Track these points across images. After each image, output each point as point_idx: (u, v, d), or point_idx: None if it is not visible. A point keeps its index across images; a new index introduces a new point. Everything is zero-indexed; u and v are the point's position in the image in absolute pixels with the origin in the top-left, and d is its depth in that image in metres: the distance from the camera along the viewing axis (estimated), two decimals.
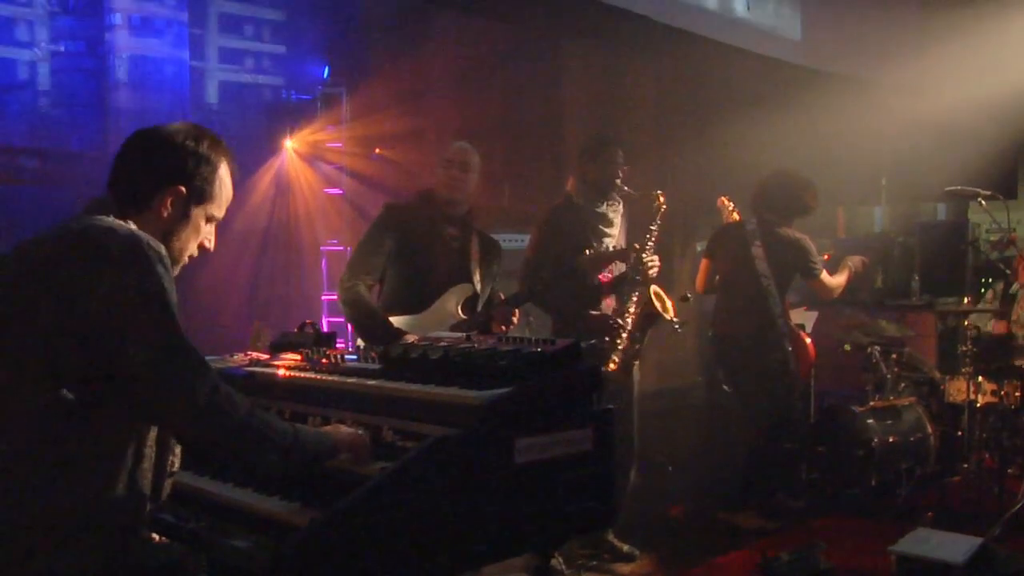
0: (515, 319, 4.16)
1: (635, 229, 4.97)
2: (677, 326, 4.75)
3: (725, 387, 6.02)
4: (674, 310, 4.75)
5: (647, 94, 7.96)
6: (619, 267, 4.87)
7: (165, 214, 2.21)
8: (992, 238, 7.72)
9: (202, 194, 2.25)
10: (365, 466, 2.27)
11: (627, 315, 4.69)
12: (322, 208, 7.12)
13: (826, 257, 6.16)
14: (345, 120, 7.04)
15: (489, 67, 7.26)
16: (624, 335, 4.65)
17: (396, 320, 3.99)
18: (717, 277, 5.77)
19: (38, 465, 1.99)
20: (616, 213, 4.95)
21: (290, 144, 6.92)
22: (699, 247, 8.47)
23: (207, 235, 2.33)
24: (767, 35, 7.65)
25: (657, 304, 4.67)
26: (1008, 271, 6.60)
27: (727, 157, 7.18)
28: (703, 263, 5.89)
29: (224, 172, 2.30)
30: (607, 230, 4.87)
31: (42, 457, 1.99)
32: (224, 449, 2.13)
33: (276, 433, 2.11)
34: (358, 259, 4.20)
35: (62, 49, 6.08)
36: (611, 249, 4.87)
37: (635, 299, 4.73)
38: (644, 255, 4.74)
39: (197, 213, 2.26)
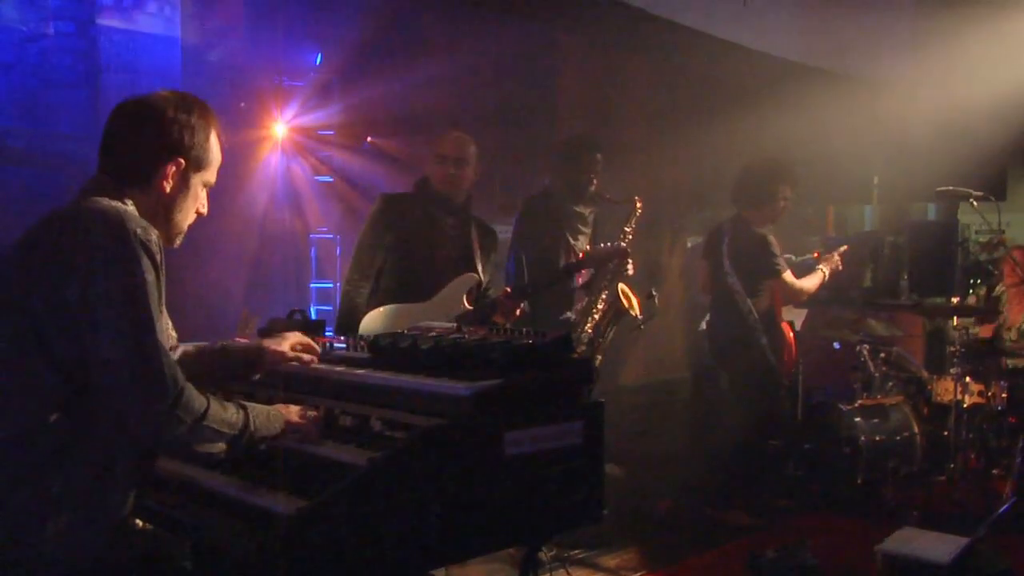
0: (519, 312, 4.18)
1: (612, 229, 5.01)
2: (640, 324, 4.78)
3: (720, 382, 6.01)
4: (639, 308, 4.77)
5: (641, 88, 7.93)
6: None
7: (168, 188, 2.22)
8: (981, 239, 7.74)
9: (200, 162, 2.27)
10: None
11: (595, 311, 4.72)
12: (312, 196, 7.09)
13: (815, 255, 6.14)
14: (336, 108, 6.99)
15: (484, 58, 7.22)
16: (589, 331, 4.67)
17: (401, 308, 3.99)
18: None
19: (34, 450, 1.99)
20: (592, 214, 5.12)
21: (281, 131, 6.88)
22: (689, 242, 8.46)
23: (202, 201, 2.34)
24: (762, 31, 7.63)
25: (624, 302, 4.70)
26: (996, 271, 6.62)
27: (719, 153, 7.16)
28: (701, 265, 5.91)
29: (214, 137, 2.30)
30: (583, 228, 4.98)
31: (38, 442, 1.99)
32: (172, 451, 2.21)
33: (227, 426, 2.11)
34: (361, 256, 4.22)
35: (51, 31, 6.01)
36: (588, 248, 4.97)
37: (603, 296, 4.76)
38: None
39: (196, 182, 2.28)
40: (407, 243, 4.18)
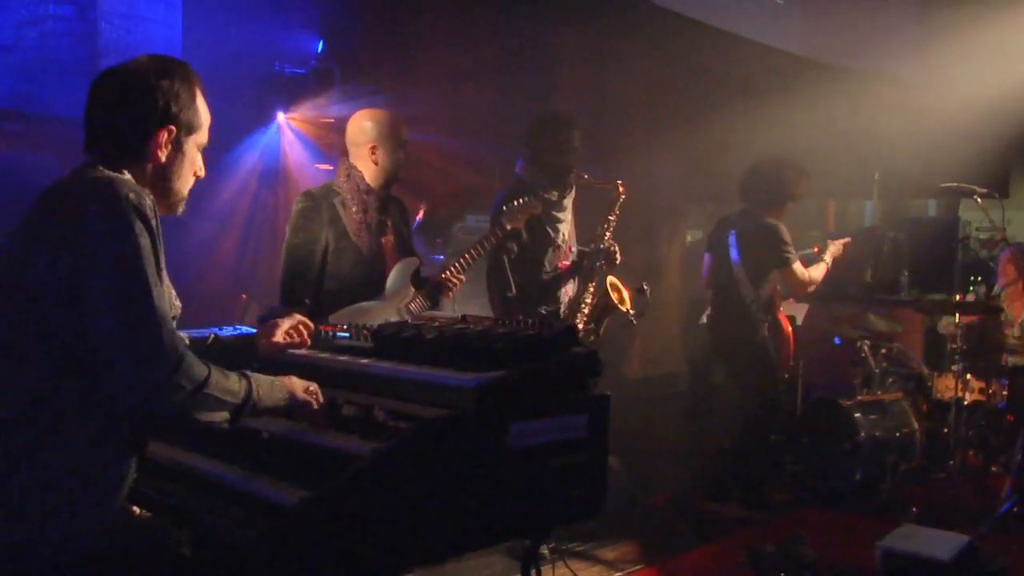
0: (461, 275, 4.03)
1: (595, 218, 4.88)
2: (632, 318, 4.71)
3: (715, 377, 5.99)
4: (631, 301, 4.70)
5: (640, 80, 7.89)
6: (571, 254, 4.84)
7: (163, 157, 2.20)
8: (982, 236, 7.74)
9: (191, 126, 2.24)
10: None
11: (584, 305, 4.66)
12: (312, 183, 7.04)
13: (815, 250, 6.13)
14: (337, 95, 6.95)
15: (484, 48, 7.19)
16: (580, 324, 4.60)
17: (357, 308, 3.73)
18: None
19: (30, 430, 1.97)
20: (568, 199, 4.83)
21: (281, 118, 6.84)
22: (688, 236, 8.45)
23: (198, 164, 2.31)
24: (764, 23, 7.60)
25: (613, 295, 4.63)
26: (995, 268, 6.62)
27: (720, 146, 7.13)
28: (705, 259, 5.88)
29: (200, 98, 2.27)
30: (559, 215, 4.76)
31: (34, 422, 1.98)
32: (174, 420, 2.14)
33: (230, 395, 2.09)
34: (297, 261, 3.79)
35: (51, 14, 5.97)
36: (564, 236, 4.79)
37: (592, 289, 4.68)
38: (602, 244, 4.73)
39: (190, 146, 2.25)
40: (347, 240, 3.83)
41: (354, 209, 3.87)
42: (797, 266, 5.42)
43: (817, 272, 5.51)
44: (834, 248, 5.64)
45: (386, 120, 3.97)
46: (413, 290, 3.92)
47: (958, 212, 8.53)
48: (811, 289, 5.57)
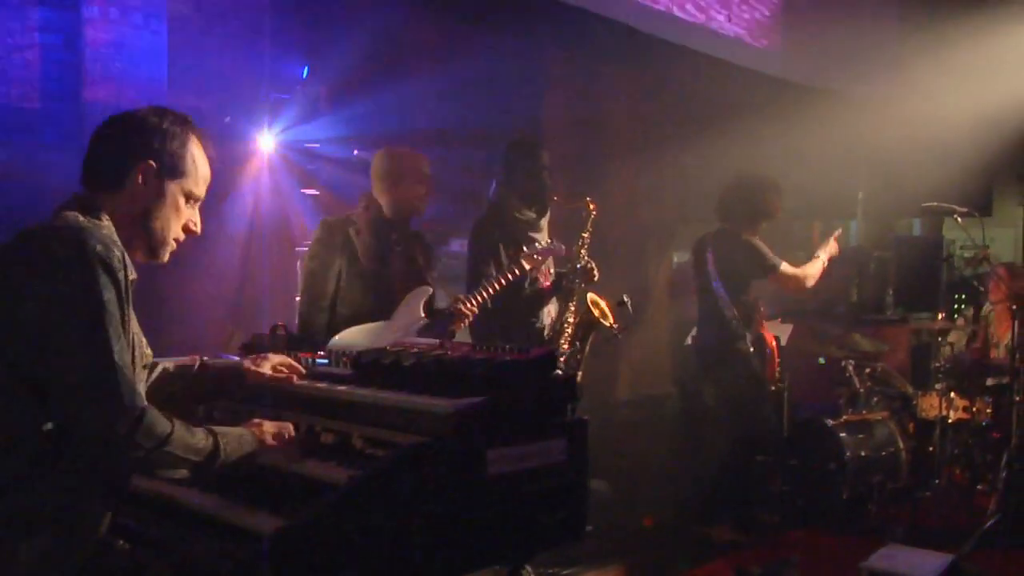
0: (475, 307, 4.14)
1: (569, 236, 4.87)
2: (617, 333, 4.72)
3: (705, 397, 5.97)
4: (613, 316, 4.71)
5: (627, 103, 7.95)
6: (550, 275, 4.85)
7: (139, 191, 2.19)
8: (966, 255, 7.79)
9: (174, 169, 2.22)
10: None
11: (567, 324, 4.68)
12: (297, 209, 7.05)
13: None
14: (323, 120, 6.98)
15: (471, 73, 7.22)
16: (565, 346, 4.61)
17: (362, 329, 3.77)
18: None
19: (8, 468, 1.96)
20: (544, 220, 4.88)
21: (267, 143, 6.85)
22: (676, 257, 8.47)
23: (191, 217, 2.30)
24: (747, 47, 7.67)
25: (595, 311, 4.64)
26: (982, 288, 6.64)
27: (705, 168, 7.17)
28: (693, 279, 5.89)
29: (195, 148, 2.26)
30: (536, 236, 4.78)
31: (12, 460, 1.96)
32: (135, 472, 2.14)
33: (192, 452, 2.06)
34: (312, 285, 4.03)
35: (37, 42, 5.99)
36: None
37: (573, 308, 4.71)
38: (579, 263, 4.74)
39: (173, 189, 2.23)
40: (362, 267, 4.02)
41: (366, 236, 4.04)
42: (786, 267, 5.37)
43: (813, 268, 5.42)
44: (829, 247, 5.59)
45: (407, 156, 4.17)
46: (424, 316, 3.99)
47: (942, 231, 8.58)
48: (810, 284, 5.45)
